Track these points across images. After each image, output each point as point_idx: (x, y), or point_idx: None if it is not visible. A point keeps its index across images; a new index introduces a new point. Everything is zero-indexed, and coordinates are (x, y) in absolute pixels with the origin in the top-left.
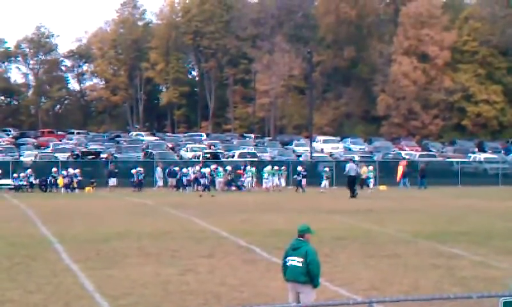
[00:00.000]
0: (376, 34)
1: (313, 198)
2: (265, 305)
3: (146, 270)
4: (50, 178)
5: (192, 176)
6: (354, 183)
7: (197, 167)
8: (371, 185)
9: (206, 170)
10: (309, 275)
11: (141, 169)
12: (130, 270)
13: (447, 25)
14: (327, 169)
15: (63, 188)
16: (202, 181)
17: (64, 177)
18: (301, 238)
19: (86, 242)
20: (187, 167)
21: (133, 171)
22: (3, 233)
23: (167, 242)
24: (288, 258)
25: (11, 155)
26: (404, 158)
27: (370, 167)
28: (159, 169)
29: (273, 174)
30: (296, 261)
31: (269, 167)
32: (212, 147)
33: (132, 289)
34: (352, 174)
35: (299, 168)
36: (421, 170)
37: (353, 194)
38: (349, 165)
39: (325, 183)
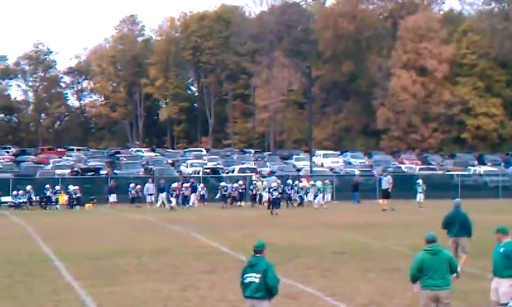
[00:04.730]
0: (375, 48)
1: (313, 213)
2: None
3: (147, 286)
4: (50, 194)
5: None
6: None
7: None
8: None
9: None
10: (266, 290)
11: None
12: (131, 287)
13: (446, 38)
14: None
15: (63, 206)
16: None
17: (64, 193)
18: (258, 254)
19: (87, 259)
20: (187, 182)
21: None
22: (3, 250)
23: (167, 258)
24: (246, 275)
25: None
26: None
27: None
28: (149, 185)
29: (320, 190)
30: (253, 277)
31: (318, 182)
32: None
33: (133, 306)
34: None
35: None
36: (354, 184)
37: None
38: (270, 178)
39: (325, 197)
